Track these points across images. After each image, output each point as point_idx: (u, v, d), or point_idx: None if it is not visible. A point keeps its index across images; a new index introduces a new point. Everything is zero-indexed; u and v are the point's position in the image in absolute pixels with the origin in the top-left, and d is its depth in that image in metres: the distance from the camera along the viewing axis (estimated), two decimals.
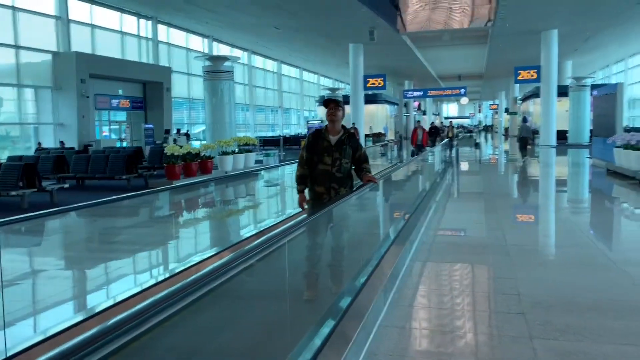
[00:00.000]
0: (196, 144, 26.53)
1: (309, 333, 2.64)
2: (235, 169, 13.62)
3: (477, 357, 2.94)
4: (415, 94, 41.47)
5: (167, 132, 25.76)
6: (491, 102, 75.74)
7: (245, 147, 14.32)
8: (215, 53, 33.22)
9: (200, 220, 8.46)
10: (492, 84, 52.59)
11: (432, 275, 4.78)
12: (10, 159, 12.68)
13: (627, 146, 11.64)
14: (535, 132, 25.47)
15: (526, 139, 18.25)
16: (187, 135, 27.05)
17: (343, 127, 4.51)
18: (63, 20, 22.37)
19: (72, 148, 18.80)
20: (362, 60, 28.56)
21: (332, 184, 4.39)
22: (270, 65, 42.63)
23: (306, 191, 4.59)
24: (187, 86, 31.67)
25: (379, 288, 3.56)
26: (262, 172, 13.84)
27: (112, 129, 26.59)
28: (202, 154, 12.27)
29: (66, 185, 10.40)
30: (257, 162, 15.58)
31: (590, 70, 46.46)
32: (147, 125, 25.01)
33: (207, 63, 16.77)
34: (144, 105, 27.39)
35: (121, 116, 27.14)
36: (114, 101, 25.51)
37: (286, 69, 45.22)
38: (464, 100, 54.31)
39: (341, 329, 2.77)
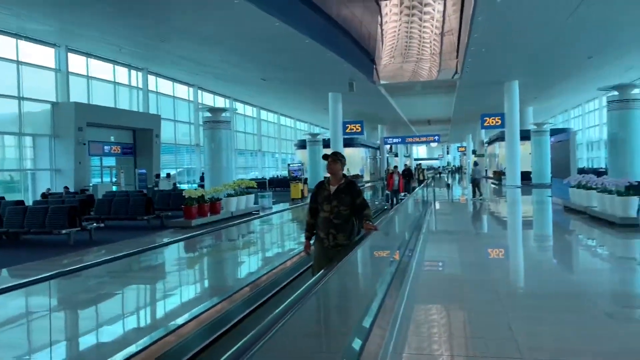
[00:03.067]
0: (184, 186, 27.93)
1: None
2: (237, 209, 15.10)
3: (472, 324, 4.56)
4: (395, 140, 44.07)
5: (158, 176, 27.05)
6: (459, 145, 79.03)
7: (246, 189, 15.87)
8: (199, 101, 35.08)
9: (228, 257, 9.89)
10: (459, 127, 55.51)
11: (428, 285, 6.38)
12: (36, 202, 13.88)
13: (579, 185, 13.64)
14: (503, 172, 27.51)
15: (478, 180, 20.86)
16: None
17: (344, 176, 4.92)
18: (62, 73, 23.81)
19: (76, 193, 19.94)
20: (340, 108, 30.65)
21: (330, 229, 4.74)
22: (250, 110, 44.54)
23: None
24: (173, 132, 33.18)
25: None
26: (262, 212, 15.35)
27: (104, 174, 27.72)
28: (211, 196, 13.73)
29: (102, 225, 11.75)
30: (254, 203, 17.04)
31: (551, 115, 49.86)
32: (140, 171, 26.30)
33: (207, 114, 18.42)
34: (133, 151, 28.69)
35: (110, 161, 28.33)
36: (106, 147, 26.77)
37: (264, 114, 47.20)
38: (434, 143, 57.21)
39: None
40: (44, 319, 5.77)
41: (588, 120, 44.37)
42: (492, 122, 29.94)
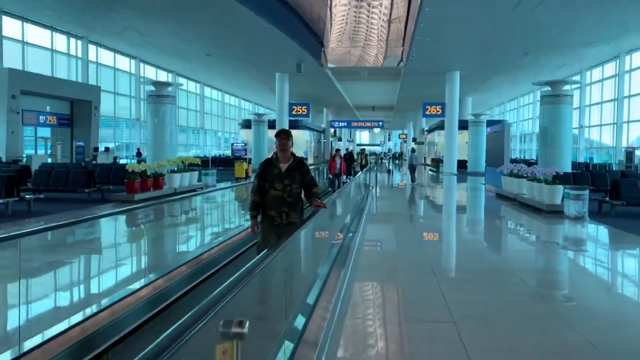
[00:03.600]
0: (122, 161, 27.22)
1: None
2: (181, 186, 15.03)
3: (409, 295, 4.92)
4: (341, 124, 44.77)
5: (96, 150, 26.25)
6: (400, 132, 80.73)
7: (190, 166, 15.78)
8: (142, 74, 34.10)
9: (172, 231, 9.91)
10: (402, 115, 56.77)
11: (368, 262, 6.74)
12: None
13: (510, 174, 14.49)
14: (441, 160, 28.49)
15: (414, 166, 22.59)
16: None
17: (292, 154, 4.86)
18: None
19: (9, 163, 19.09)
20: (287, 89, 30.65)
21: (283, 208, 4.76)
22: (193, 87, 43.67)
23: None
24: (113, 105, 32.14)
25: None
26: (207, 189, 15.34)
27: (38, 145, 26.58)
28: (154, 171, 13.59)
29: (41, 196, 11.39)
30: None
31: (488, 107, 51.87)
32: (78, 143, 25.43)
33: (151, 87, 18.04)
34: (71, 123, 27.63)
35: (45, 132, 27.17)
36: (41, 117, 25.64)
37: (208, 91, 46.42)
38: (377, 129, 58.35)
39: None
40: None
41: (522, 114, 46.59)
42: (434, 111, 30.88)
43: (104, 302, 4.79)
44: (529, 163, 18.79)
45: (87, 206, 11.58)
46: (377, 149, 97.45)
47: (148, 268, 6.94)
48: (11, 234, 3.93)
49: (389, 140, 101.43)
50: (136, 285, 5.29)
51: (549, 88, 17.63)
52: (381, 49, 31.20)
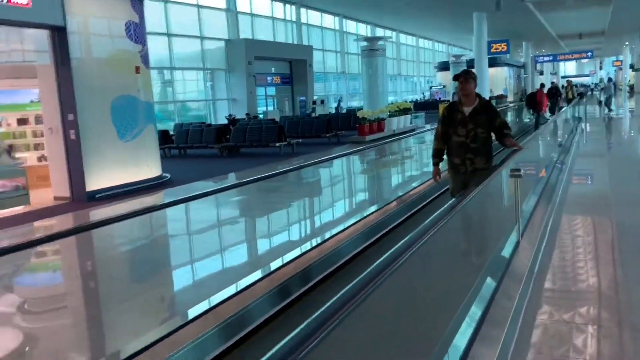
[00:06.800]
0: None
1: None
2: (397, 128, 17.33)
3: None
4: (546, 58, 42.82)
5: (314, 103, 30.03)
6: (614, 59, 72.36)
7: (403, 111, 17.99)
8: (344, 29, 37.06)
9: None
10: (615, 40, 51.19)
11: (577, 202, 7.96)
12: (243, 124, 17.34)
13: None
14: None
15: (610, 96, 22.64)
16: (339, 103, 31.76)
17: (478, 96, 4.54)
18: (232, 12, 27.06)
19: (256, 117, 23.46)
20: (485, 28, 30.62)
21: (467, 154, 4.50)
22: (389, 35, 45.39)
23: (441, 164, 4.84)
24: (322, 60, 35.74)
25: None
26: (419, 130, 17.42)
27: (268, 102, 31.37)
28: (377, 117, 16.08)
29: (300, 141, 14.81)
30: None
31: None
32: (300, 98, 29.50)
33: (365, 43, 20.44)
34: (290, 80, 31.84)
35: (271, 91, 31.79)
36: (269, 78, 30.13)
37: (403, 38, 47.78)
38: (586, 59, 53.75)
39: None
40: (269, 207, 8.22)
41: None
42: None
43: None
44: None
45: (331, 147, 14.53)
46: (587, 80, 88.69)
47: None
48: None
49: (601, 69, 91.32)
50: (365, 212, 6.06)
51: None
52: None
